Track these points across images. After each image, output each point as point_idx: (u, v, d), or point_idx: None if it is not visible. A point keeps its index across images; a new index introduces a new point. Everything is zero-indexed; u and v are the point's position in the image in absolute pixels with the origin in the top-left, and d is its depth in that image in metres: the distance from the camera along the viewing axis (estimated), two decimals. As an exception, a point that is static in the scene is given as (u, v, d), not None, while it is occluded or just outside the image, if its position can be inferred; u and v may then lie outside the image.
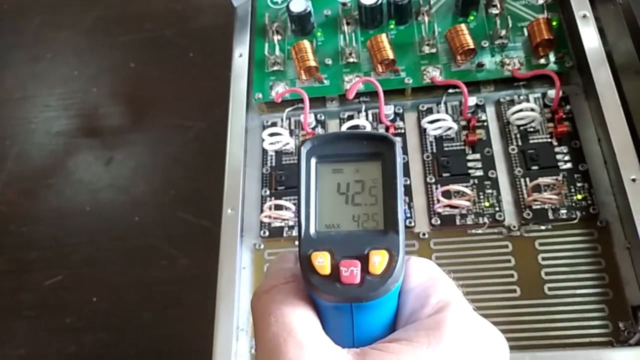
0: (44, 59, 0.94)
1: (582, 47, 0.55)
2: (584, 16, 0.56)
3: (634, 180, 0.47)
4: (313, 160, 0.26)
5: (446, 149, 0.56)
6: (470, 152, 0.55)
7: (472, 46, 0.56)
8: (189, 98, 0.85)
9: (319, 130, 0.59)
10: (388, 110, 0.58)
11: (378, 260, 0.24)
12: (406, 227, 0.52)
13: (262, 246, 0.54)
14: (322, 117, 0.60)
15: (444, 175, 0.54)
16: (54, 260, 0.76)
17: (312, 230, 0.25)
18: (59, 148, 0.86)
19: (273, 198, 0.56)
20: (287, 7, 0.61)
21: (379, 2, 0.59)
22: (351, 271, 0.23)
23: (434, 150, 0.56)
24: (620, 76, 0.63)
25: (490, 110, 0.57)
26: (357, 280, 0.23)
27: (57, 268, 0.75)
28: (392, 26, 0.61)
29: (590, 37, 0.55)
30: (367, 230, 0.25)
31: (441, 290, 0.25)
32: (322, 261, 0.24)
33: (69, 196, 0.81)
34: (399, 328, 0.25)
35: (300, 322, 0.23)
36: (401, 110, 0.59)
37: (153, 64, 0.90)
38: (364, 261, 0.24)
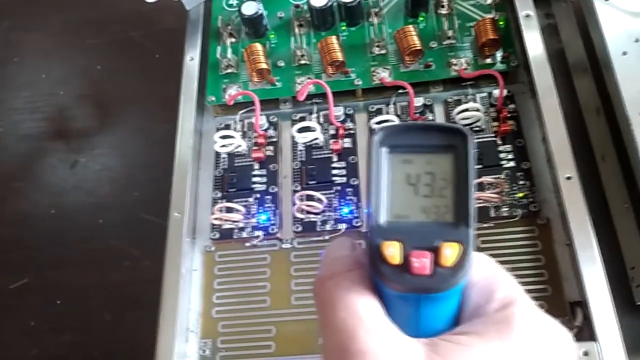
0: (11, 62, 0.95)
1: (524, 47, 0.56)
2: (527, 16, 0.57)
3: (568, 178, 0.48)
4: (384, 150, 0.26)
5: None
6: (418, 151, 0.56)
7: (419, 47, 0.57)
8: (154, 100, 0.85)
9: (271, 132, 0.60)
10: (338, 111, 0.58)
11: (450, 252, 0.24)
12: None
13: (212, 248, 0.55)
14: (275, 119, 0.60)
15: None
16: (19, 264, 0.77)
17: (382, 220, 0.25)
18: (26, 152, 0.86)
19: (225, 200, 0.56)
20: (239, 10, 0.61)
21: (329, 3, 0.60)
22: (422, 262, 0.24)
23: (383, 151, 0.56)
24: (572, 74, 0.64)
25: (439, 110, 0.58)
26: (428, 271, 0.23)
27: (22, 271, 0.76)
28: (343, 28, 0.62)
29: (532, 37, 0.55)
30: (438, 222, 0.25)
31: (505, 286, 0.25)
32: (393, 251, 0.24)
33: (35, 200, 0.81)
34: (462, 322, 0.25)
35: (367, 309, 0.24)
36: (352, 112, 0.59)
37: (120, 66, 0.91)
38: (435, 252, 0.24)
